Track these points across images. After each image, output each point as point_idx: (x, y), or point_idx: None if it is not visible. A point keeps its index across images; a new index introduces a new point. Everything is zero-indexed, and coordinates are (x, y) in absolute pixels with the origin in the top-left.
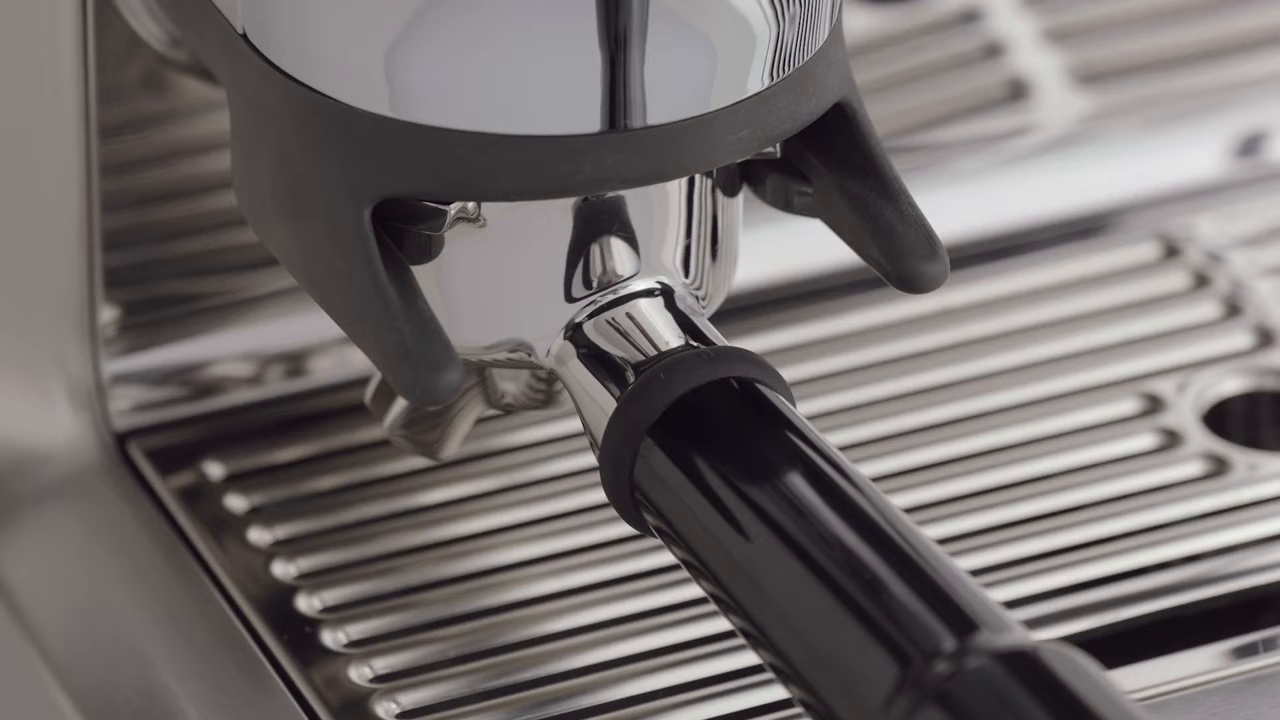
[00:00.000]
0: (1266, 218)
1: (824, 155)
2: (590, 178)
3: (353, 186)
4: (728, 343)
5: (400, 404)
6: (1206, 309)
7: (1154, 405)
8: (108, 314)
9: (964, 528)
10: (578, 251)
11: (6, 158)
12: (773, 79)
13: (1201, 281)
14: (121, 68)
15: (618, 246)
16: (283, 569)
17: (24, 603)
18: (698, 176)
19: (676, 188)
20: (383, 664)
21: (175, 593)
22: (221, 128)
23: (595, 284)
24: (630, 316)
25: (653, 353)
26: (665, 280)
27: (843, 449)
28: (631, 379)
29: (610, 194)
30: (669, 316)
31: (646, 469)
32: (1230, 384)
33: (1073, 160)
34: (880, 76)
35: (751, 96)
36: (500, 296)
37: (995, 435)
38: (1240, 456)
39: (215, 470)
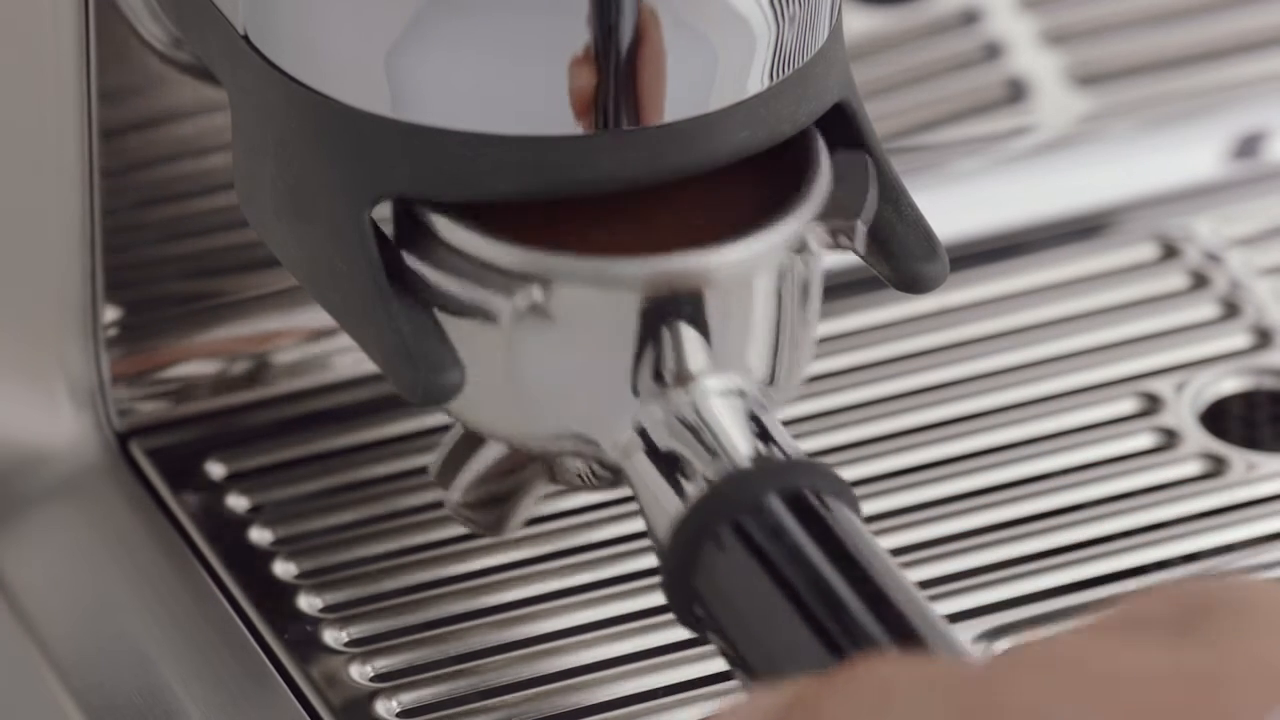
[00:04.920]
0: (1265, 218)
1: None
2: (589, 178)
3: (353, 187)
4: (797, 447)
5: (468, 479)
6: (1205, 309)
7: (1152, 405)
8: (110, 314)
9: (962, 527)
10: (646, 345)
11: (8, 158)
12: (772, 79)
13: (1200, 282)
14: (123, 68)
15: (689, 341)
16: (284, 568)
17: (26, 602)
18: (778, 273)
19: (756, 283)
20: (383, 663)
21: (177, 592)
22: (223, 128)
23: (665, 379)
24: (699, 414)
25: (721, 456)
26: (737, 378)
27: (843, 449)
28: (698, 481)
29: (684, 289)
30: (740, 417)
31: (707, 579)
32: (1228, 384)
33: (1071, 161)
34: (880, 76)
35: (751, 97)
36: (568, 391)
37: (994, 435)
38: (1238, 456)
39: (217, 470)
